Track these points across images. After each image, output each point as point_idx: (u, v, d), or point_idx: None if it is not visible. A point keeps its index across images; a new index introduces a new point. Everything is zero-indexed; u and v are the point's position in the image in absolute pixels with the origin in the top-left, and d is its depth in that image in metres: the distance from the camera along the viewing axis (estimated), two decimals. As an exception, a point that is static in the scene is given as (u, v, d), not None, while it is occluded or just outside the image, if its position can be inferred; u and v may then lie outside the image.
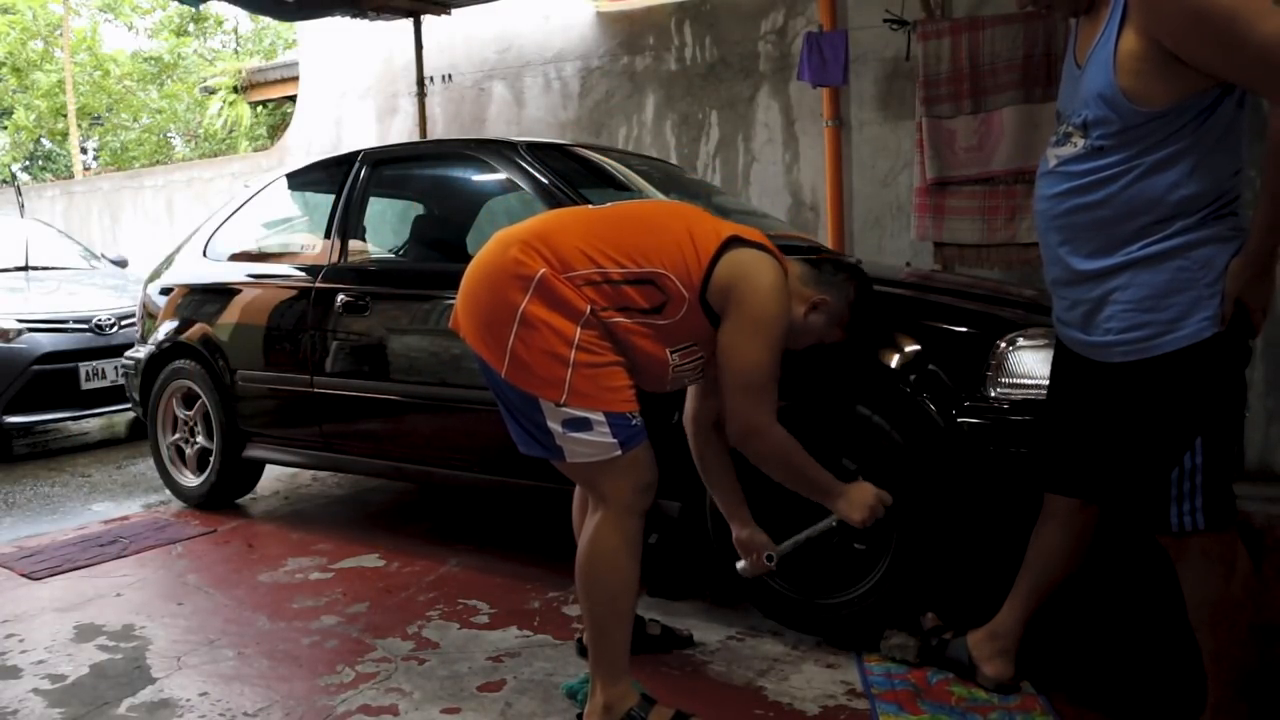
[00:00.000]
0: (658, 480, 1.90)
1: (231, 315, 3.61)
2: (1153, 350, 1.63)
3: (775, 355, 1.86)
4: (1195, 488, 1.63)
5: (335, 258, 3.36)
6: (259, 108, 12.56)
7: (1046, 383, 2.10)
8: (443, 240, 3.55)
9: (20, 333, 4.93)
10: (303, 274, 3.43)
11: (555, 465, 1.88)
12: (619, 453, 1.81)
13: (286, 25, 12.50)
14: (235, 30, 16.90)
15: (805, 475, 2.00)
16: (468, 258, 3.44)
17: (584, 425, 1.79)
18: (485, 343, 1.84)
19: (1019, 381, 2.14)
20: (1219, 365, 1.62)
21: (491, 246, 1.91)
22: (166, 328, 3.85)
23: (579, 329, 1.78)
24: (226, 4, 5.44)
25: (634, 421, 1.83)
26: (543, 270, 1.80)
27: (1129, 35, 1.57)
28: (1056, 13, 1.78)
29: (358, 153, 3.52)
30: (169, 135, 15.73)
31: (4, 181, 11.43)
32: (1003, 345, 2.15)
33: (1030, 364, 2.14)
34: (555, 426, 1.80)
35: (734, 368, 1.84)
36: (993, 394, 2.14)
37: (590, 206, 1.97)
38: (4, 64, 15.02)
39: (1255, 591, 1.70)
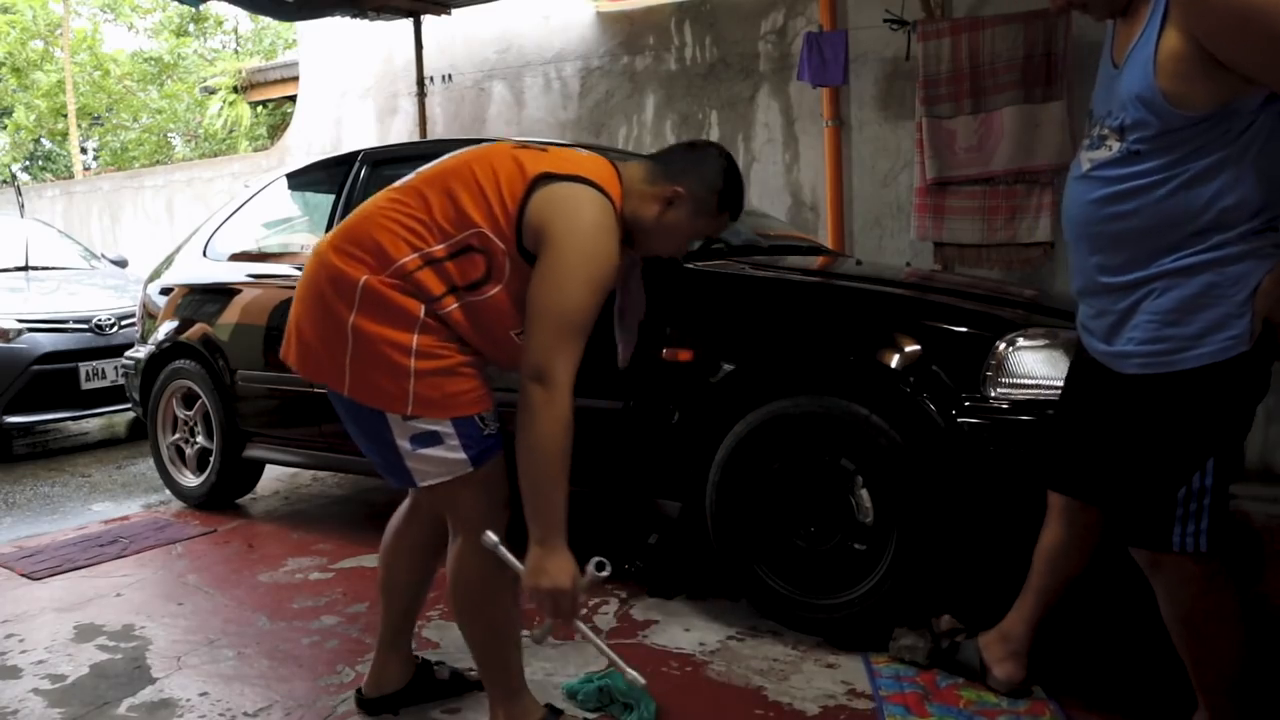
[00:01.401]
0: (509, 496, 1.77)
1: (231, 315, 3.60)
2: (1173, 365, 1.57)
3: (595, 299, 1.62)
4: (1202, 509, 1.58)
5: (335, 258, 3.35)
6: (259, 108, 12.56)
7: (1046, 383, 2.11)
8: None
9: (20, 333, 4.93)
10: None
11: (414, 494, 1.78)
12: (470, 469, 1.68)
13: (286, 25, 12.50)
14: (235, 30, 16.90)
15: (545, 482, 1.60)
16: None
17: (433, 439, 1.65)
18: (321, 365, 1.70)
19: (1019, 382, 2.13)
20: (1239, 385, 1.56)
21: (309, 261, 1.75)
22: (166, 328, 3.85)
23: (415, 336, 1.63)
24: (226, 4, 5.44)
25: (486, 430, 1.69)
26: (364, 277, 1.64)
27: (1170, 35, 1.50)
28: (1093, 13, 1.69)
29: (358, 153, 3.52)
30: (169, 135, 15.73)
31: (4, 181, 11.44)
32: (1002, 346, 2.15)
33: (1030, 364, 2.14)
34: (404, 444, 1.66)
35: (545, 303, 1.60)
36: (993, 394, 2.14)
37: (395, 183, 1.78)
38: (4, 64, 15.02)
39: (1234, 603, 1.67)
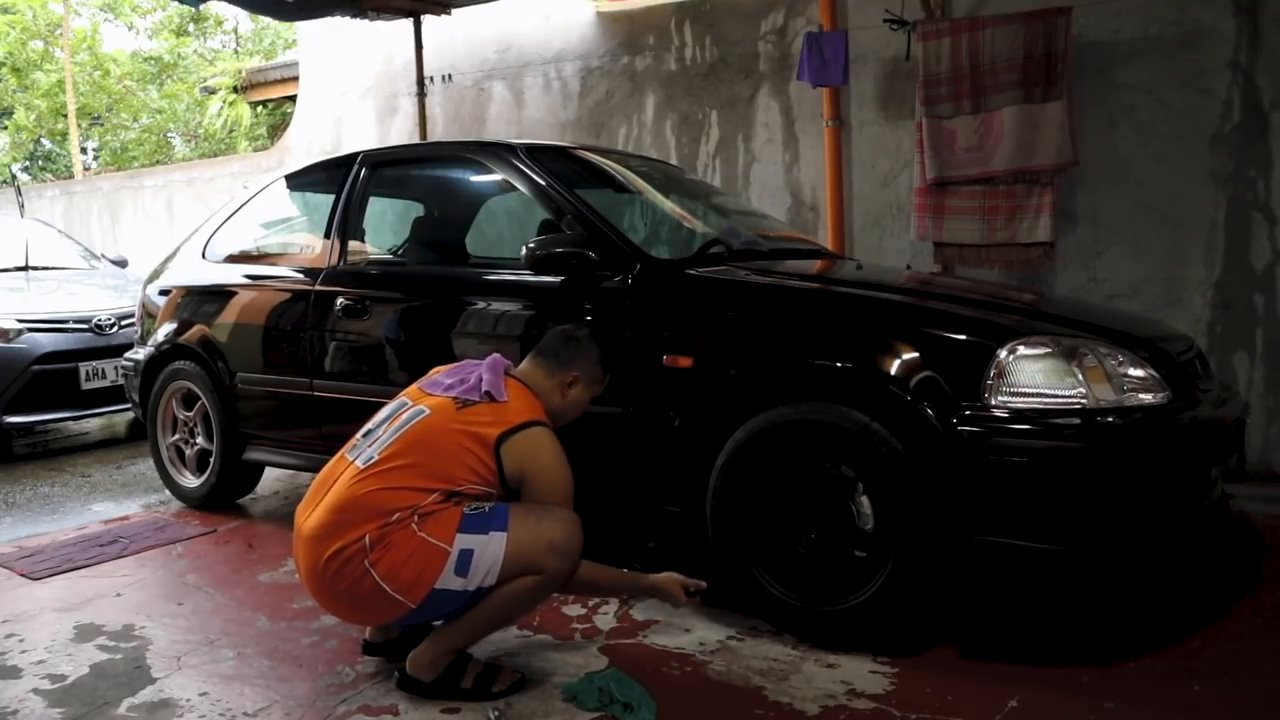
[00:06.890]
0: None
1: (231, 317, 3.60)
2: None
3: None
4: None
5: (335, 260, 3.35)
6: (259, 108, 12.56)
7: (1049, 392, 2.11)
8: (442, 242, 3.55)
9: (20, 333, 4.93)
10: (302, 276, 3.43)
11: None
12: (502, 533, 1.98)
13: (286, 25, 12.50)
14: (235, 30, 16.90)
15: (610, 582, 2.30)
16: (467, 259, 3.47)
17: (466, 557, 1.96)
18: (374, 614, 2.10)
19: (1020, 390, 2.13)
20: None
21: (308, 553, 2.03)
22: (166, 329, 3.84)
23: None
24: (226, 4, 5.44)
25: (477, 510, 2.01)
26: (365, 537, 1.96)
27: None
28: None
29: (357, 154, 3.52)
30: (169, 135, 15.72)
31: (4, 181, 11.43)
32: (1004, 354, 2.15)
33: (1031, 372, 2.14)
34: (460, 580, 1.97)
35: (560, 501, 2.10)
36: (994, 402, 2.13)
37: (354, 463, 2.11)
38: (4, 64, 15.01)
39: None
